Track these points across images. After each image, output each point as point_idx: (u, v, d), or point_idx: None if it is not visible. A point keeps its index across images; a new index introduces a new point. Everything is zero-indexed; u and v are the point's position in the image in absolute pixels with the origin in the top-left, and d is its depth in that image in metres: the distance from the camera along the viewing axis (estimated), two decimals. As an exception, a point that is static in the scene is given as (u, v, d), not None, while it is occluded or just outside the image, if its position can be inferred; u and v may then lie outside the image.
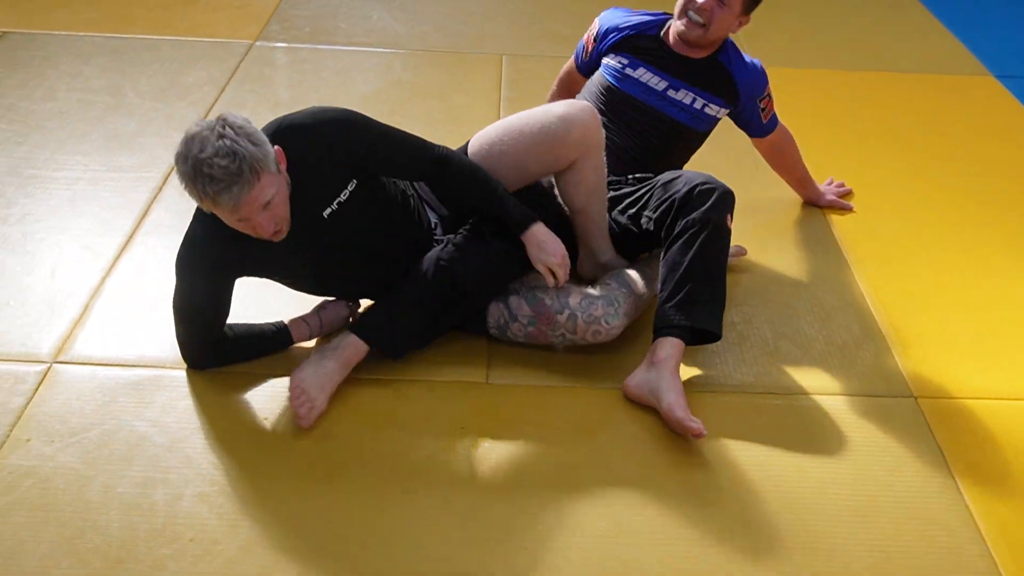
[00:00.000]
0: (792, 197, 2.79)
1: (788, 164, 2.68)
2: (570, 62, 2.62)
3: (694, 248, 2.07)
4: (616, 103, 2.38)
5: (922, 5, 4.41)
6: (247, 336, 2.08)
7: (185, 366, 2.06)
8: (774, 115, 2.50)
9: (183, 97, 3.23)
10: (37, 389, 1.99)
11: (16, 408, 1.93)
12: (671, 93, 2.35)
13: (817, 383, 2.13)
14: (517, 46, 3.77)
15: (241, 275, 2.01)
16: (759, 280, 2.48)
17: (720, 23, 2.28)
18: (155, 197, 2.67)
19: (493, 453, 1.90)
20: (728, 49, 2.39)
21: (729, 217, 2.12)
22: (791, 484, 1.86)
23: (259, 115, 3.08)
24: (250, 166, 1.71)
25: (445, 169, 2.06)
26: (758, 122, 2.48)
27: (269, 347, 2.10)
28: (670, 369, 2.00)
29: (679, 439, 1.95)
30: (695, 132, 2.41)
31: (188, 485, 1.79)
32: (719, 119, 2.43)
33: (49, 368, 2.05)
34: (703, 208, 2.09)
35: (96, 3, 3.91)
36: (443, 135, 2.27)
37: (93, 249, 2.44)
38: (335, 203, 1.94)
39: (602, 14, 2.50)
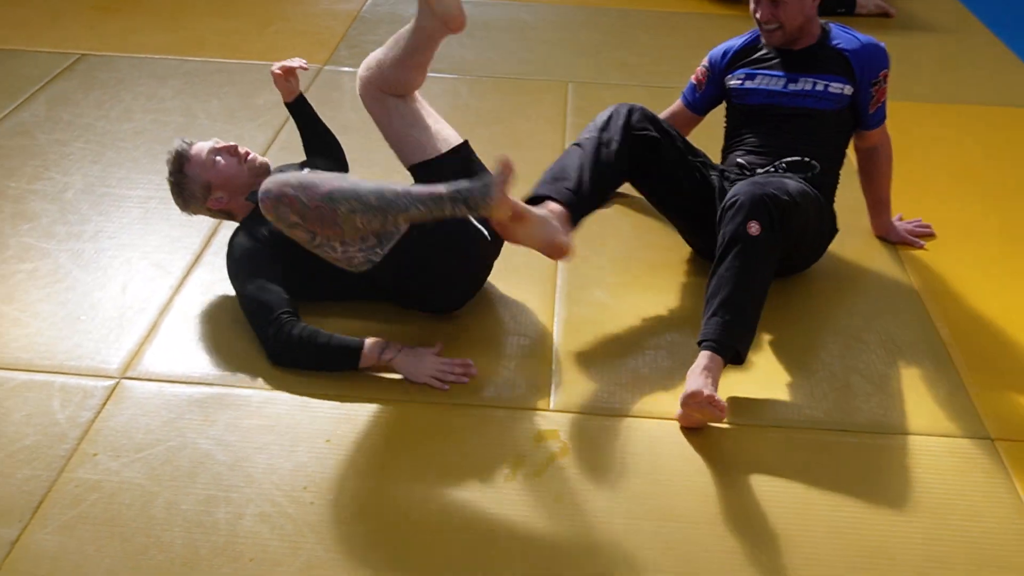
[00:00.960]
0: (863, 226, 2.73)
1: (878, 177, 2.65)
2: (677, 104, 2.73)
3: (722, 265, 2.12)
4: (756, 119, 2.50)
5: (996, 37, 4.32)
6: (321, 337, 2.10)
7: (250, 383, 2.08)
8: (882, 109, 2.52)
9: (253, 119, 3.28)
10: (105, 404, 2.01)
11: (84, 422, 1.96)
12: (792, 86, 2.46)
13: (889, 421, 2.07)
14: (583, 73, 3.77)
15: (278, 259, 2.18)
16: (828, 312, 2.43)
17: (790, 14, 2.39)
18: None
19: (552, 483, 1.87)
20: (833, 34, 2.48)
21: (753, 224, 2.10)
22: (861, 527, 1.81)
23: (328, 138, 3.15)
24: None
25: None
26: (865, 109, 2.49)
27: (338, 357, 2.11)
28: (695, 373, 2.01)
29: (742, 476, 1.91)
30: (826, 113, 2.45)
31: (249, 504, 1.79)
32: (848, 96, 2.45)
33: (117, 384, 2.07)
34: (730, 223, 2.14)
35: (171, 27, 4.01)
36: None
37: (163, 267, 2.48)
38: None
39: (709, 53, 2.64)
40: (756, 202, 2.12)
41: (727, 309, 2.07)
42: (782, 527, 1.80)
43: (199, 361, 2.15)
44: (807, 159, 2.42)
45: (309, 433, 1.97)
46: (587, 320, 2.35)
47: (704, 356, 2.04)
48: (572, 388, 2.13)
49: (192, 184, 2.29)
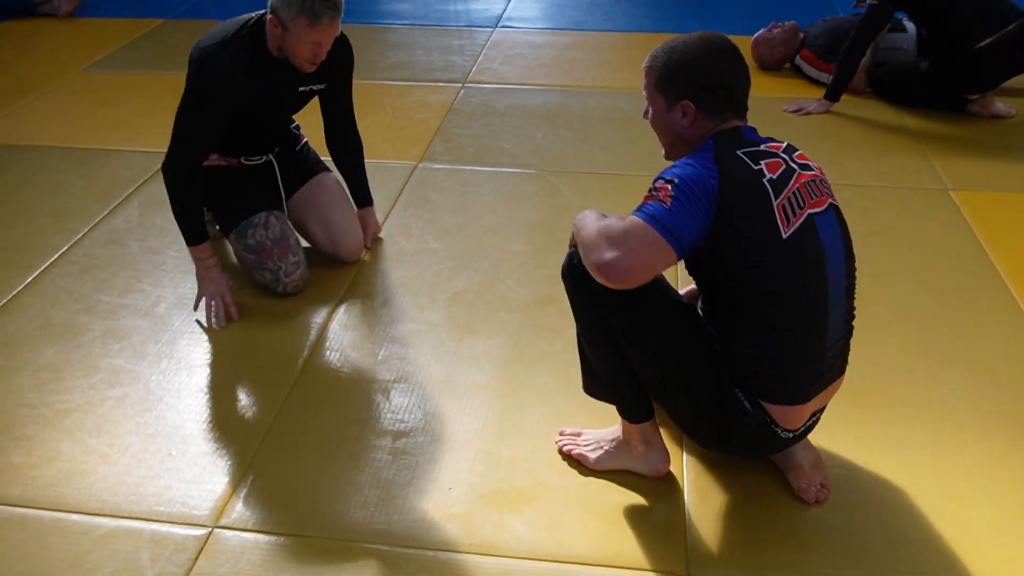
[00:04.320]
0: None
1: None
2: None
3: None
4: None
5: None
6: (190, 209, 2.58)
7: (354, 534, 1.89)
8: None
9: (348, 223, 3.15)
10: (197, 559, 1.84)
11: (174, 580, 1.79)
12: None
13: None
14: (688, 167, 3.58)
15: (239, 107, 2.55)
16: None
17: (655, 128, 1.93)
18: (321, 333, 2.57)
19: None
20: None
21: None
22: None
23: (425, 242, 3.01)
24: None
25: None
26: None
27: (187, 229, 2.59)
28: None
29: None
30: None
31: None
32: None
33: (210, 533, 1.91)
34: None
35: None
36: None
37: (260, 390, 2.33)
38: (309, 87, 2.67)
39: None
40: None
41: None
42: None
43: (297, 506, 1.98)
44: None
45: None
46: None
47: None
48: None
49: None
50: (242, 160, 2.76)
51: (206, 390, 2.35)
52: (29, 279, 2.81)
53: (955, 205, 3.27)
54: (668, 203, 1.69)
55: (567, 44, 5.06)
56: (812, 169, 1.84)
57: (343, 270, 2.86)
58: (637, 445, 2.02)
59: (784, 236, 1.73)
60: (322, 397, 2.32)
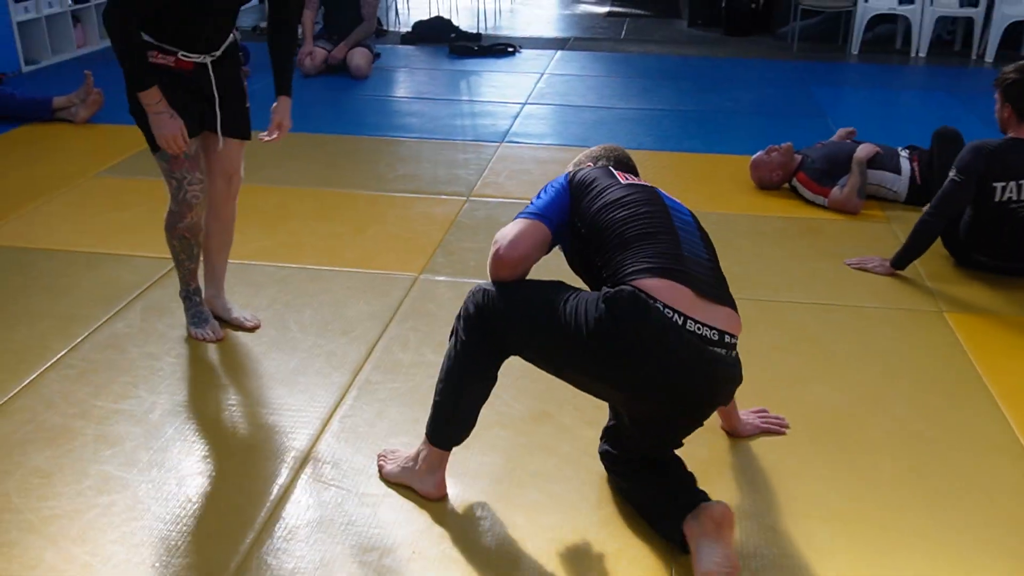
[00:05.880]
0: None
1: None
2: None
3: None
4: None
5: None
6: (136, 53, 2.67)
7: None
8: None
9: (346, 332, 3.18)
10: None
11: None
12: None
13: None
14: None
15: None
16: None
17: None
18: (312, 445, 2.56)
19: None
20: None
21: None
22: None
23: (422, 355, 3.03)
24: None
25: None
26: None
27: (133, 74, 2.68)
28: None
29: None
30: None
31: None
32: None
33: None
34: None
35: (271, 231, 4.01)
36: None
37: (243, 507, 2.31)
38: None
39: None
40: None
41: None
42: None
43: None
44: None
45: None
46: None
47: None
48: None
49: None
50: (180, 56, 2.76)
51: (195, 500, 2.34)
52: (26, 381, 2.83)
53: (950, 328, 3.29)
54: (532, 200, 2.30)
55: (571, 160, 5.14)
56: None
57: (339, 379, 2.87)
58: (421, 464, 2.32)
59: (622, 183, 2.26)
60: (311, 512, 2.31)
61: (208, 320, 3.15)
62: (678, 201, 2.32)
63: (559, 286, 2.15)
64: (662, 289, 1.99)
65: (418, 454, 2.35)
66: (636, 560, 2.16)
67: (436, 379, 2.27)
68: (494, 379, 2.25)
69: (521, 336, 2.15)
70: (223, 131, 2.97)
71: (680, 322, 1.98)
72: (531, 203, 2.29)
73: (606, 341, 1.99)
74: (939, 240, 3.76)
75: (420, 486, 2.33)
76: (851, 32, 8.37)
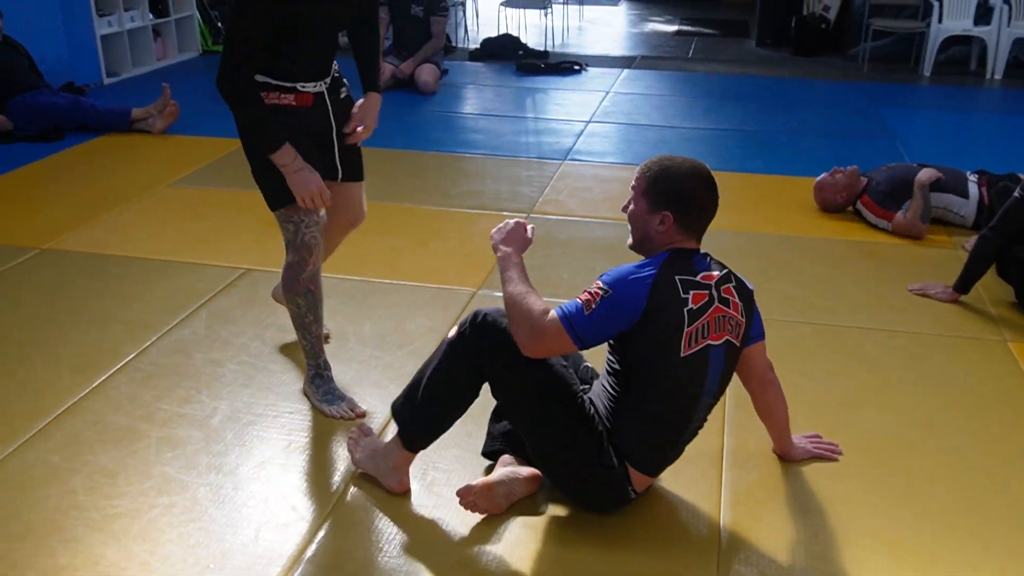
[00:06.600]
0: None
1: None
2: None
3: None
4: None
5: None
6: (261, 110, 2.56)
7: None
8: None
9: (403, 346, 3.24)
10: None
11: None
12: None
13: None
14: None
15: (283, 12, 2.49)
16: None
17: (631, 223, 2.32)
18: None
19: None
20: None
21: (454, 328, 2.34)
22: None
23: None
24: None
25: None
26: None
27: (262, 135, 2.58)
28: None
29: None
30: None
31: None
32: None
33: (237, 650, 1.93)
34: None
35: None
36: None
37: (299, 510, 2.38)
38: None
39: None
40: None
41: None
42: None
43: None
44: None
45: None
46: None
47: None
48: None
49: None
50: (299, 88, 2.63)
51: (250, 505, 2.41)
52: (96, 383, 2.95)
53: (1013, 357, 3.23)
54: (590, 309, 2.12)
55: (633, 179, 5.17)
56: (729, 306, 2.21)
57: (395, 391, 2.93)
58: (389, 462, 2.44)
59: (682, 355, 2.15)
60: (363, 522, 2.36)
61: (343, 397, 2.86)
62: (720, 363, 2.22)
63: (568, 380, 2.27)
64: (642, 482, 2.32)
65: (388, 450, 2.45)
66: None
67: (436, 382, 2.35)
68: (475, 397, 2.38)
69: (510, 394, 2.31)
70: (344, 175, 2.88)
71: (632, 498, 2.34)
72: (588, 296, 2.13)
73: (580, 485, 2.33)
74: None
75: (385, 481, 2.45)
76: (924, 53, 8.25)
